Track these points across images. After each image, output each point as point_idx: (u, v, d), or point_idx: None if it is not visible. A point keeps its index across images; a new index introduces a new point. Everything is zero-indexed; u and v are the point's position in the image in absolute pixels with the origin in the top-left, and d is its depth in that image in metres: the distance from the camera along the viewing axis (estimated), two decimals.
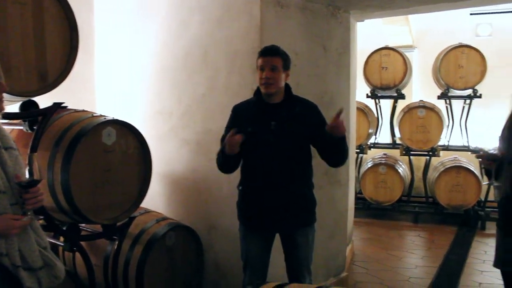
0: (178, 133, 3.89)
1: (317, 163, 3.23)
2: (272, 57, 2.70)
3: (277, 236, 2.88)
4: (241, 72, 3.48)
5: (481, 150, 3.06)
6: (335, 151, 2.73)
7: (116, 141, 2.91)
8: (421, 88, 7.53)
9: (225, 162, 2.76)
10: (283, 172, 2.69)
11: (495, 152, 2.60)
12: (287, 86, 2.81)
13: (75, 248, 2.94)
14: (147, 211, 3.60)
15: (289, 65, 2.78)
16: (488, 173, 2.66)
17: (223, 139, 2.80)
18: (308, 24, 3.73)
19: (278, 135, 2.68)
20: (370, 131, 6.82)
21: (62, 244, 2.98)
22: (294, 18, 3.64)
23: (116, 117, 2.97)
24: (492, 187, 2.77)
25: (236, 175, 2.90)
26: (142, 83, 4.10)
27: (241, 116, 2.82)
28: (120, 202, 2.98)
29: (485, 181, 2.91)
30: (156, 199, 3.88)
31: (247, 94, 3.10)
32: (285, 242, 2.84)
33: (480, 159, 2.70)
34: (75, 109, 3.08)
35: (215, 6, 3.63)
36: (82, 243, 3.03)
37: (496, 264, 2.56)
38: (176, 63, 3.87)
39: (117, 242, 3.09)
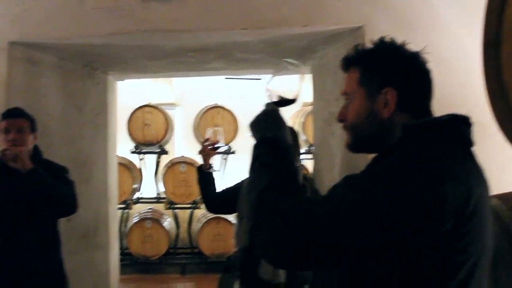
0: None
1: (73, 226, 3.13)
2: (18, 118, 2.59)
3: None
4: None
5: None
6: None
7: None
8: (183, 144, 7.92)
9: None
10: (21, 242, 2.52)
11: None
12: (35, 149, 2.70)
13: None
14: None
15: (36, 127, 2.69)
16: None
17: None
18: (63, 83, 3.65)
19: (19, 203, 2.52)
20: (135, 186, 6.85)
21: None
22: (48, 76, 3.52)
23: None
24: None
25: None
26: None
27: None
28: None
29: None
30: None
31: None
32: None
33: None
34: None
35: None
36: None
37: None
38: None
39: None
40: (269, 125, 1.39)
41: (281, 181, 1.24)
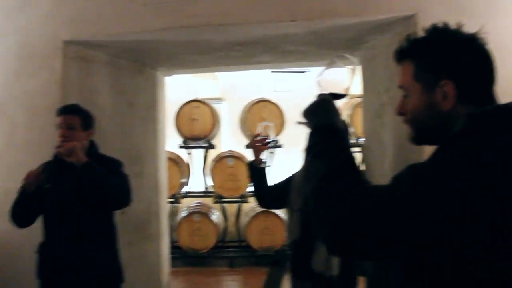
0: None
1: (127, 218, 3.19)
2: (68, 115, 2.66)
3: None
4: (41, 129, 3.31)
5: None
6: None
7: None
8: (230, 138, 7.97)
9: (19, 202, 2.63)
10: (79, 232, 2.60)
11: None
12: (92, 144, 2.77)
13: None
14: None
15: (91, 124, 2.75)
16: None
17: None
18: (115, 79, 3.75)
19: (75, 196, 2.60)
20: (183, 180, 6.95)
21: None
22: (100, 73, 3.62)
23: None
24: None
25: (38, 238, 2.71)
26: None
27: (45, 173, 2.70)
28: None
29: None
30: None
31: (47, 152, 2.96)
32: None
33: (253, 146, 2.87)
34: None
35: (12, 58, 3.43)
36: None
37: None
38: None
39: None
40: (324, 113, 1.39)
41: (337, 170, 1.23)
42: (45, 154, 2.90)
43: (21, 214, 2.66)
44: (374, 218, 1.06)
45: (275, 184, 2.93)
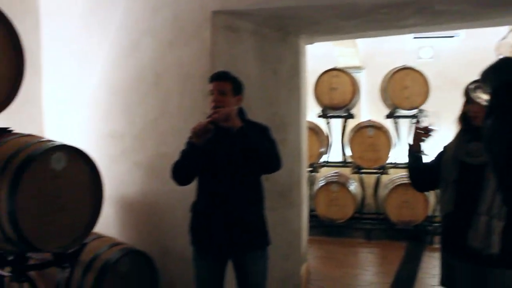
0: (130, 156, 3.85)
1: (271, 184, 3.26)
2: (220, 81, 2.75)
3: None
4: (193, 96, 3.50)
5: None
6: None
7: (66, 166, 2.86)
8: (369, 108, 7.75)
9: (185, 160, 2.74)
10: (231, 194, 2.71)
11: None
12: (240, 110, 2.85)
13: (22, 279, 2.84)
14: (99, 237, 3.52)
15: (241, 90, 2.83)
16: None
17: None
18: (259, 48, 3.82)
19: (233, 159, 2.71)
20: (322, 150, 6.94)
21: (8, 274, 2.88)
22: (245, 42, 3.71)
23: (65, 141, 2.91)
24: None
25: (190, 198, 2.89)
26: (92, 105, 4.03)
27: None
28: (71, 228, 2.90)
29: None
30: (109, 223, 3.80)
31: (199, 118, 3.12)
32: (236, 269, 2.83)
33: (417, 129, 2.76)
34: (21, 134, 3.00)
35: (166, 30, 3.65)
36: (32, 272, 2.94)
37: (440, 282, 2.60)
38: (127, 85, 3.85)
39: (68, 270, 3.01)
40: (511, 71, 1.24)
41: None
42: (196, 120, 3.04)
43: (183, 171, 2.80)
44: None
45: (428, 165, 2.75)
